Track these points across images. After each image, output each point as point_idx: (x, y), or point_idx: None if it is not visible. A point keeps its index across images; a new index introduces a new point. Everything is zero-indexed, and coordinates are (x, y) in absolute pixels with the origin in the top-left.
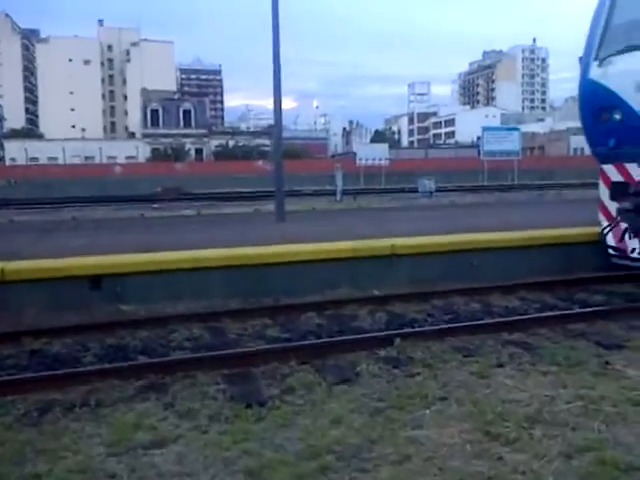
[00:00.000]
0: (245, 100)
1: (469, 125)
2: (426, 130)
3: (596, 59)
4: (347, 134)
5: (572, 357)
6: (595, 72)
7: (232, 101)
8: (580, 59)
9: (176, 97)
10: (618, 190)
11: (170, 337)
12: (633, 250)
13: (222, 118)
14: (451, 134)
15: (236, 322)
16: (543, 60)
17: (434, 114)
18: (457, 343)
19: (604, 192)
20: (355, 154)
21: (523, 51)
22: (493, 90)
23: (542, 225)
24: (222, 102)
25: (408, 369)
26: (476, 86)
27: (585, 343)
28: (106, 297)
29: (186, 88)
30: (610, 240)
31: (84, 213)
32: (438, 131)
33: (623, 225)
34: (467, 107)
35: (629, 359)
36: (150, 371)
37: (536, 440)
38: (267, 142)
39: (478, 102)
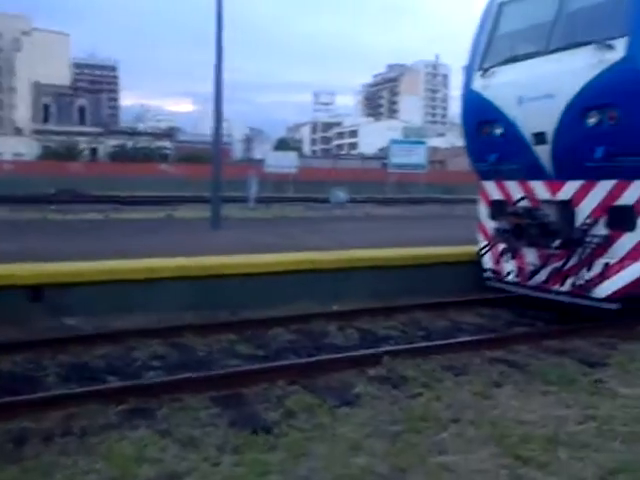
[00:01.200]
0: (141, 99)
1: (372, 137)
2: (329, 140)
3: (480, 69)
4: (248, 141)
5: (564, 376)
6: (478, 83)
7: (126, 99)
8: (464, 68)
9: (70, 92)
10: (497, 209)
11: (132, 355)
12: (508, 274)
13: (117, 117)
14: (354, 145)
15: (199, 337)
16: (445, 76)
17: (338, 124)
18: (444, 361)
19: (483, 210)
20: (262, 161)
21: (426, 66)
22: (396, 103)
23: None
24: (117, 100)
25: (408, 389)
26: (380, 98)
27: (569, 361)
28: (48, 309)
29: (80, 83)
30: (487, 262)
31: None
32: (341, 142)
33: (501, 246)
34: (371, 119)
35: (617, 377)
36: (130, 394)
37: (565, 463)
38: (168, 144)
39: (382, 114)
